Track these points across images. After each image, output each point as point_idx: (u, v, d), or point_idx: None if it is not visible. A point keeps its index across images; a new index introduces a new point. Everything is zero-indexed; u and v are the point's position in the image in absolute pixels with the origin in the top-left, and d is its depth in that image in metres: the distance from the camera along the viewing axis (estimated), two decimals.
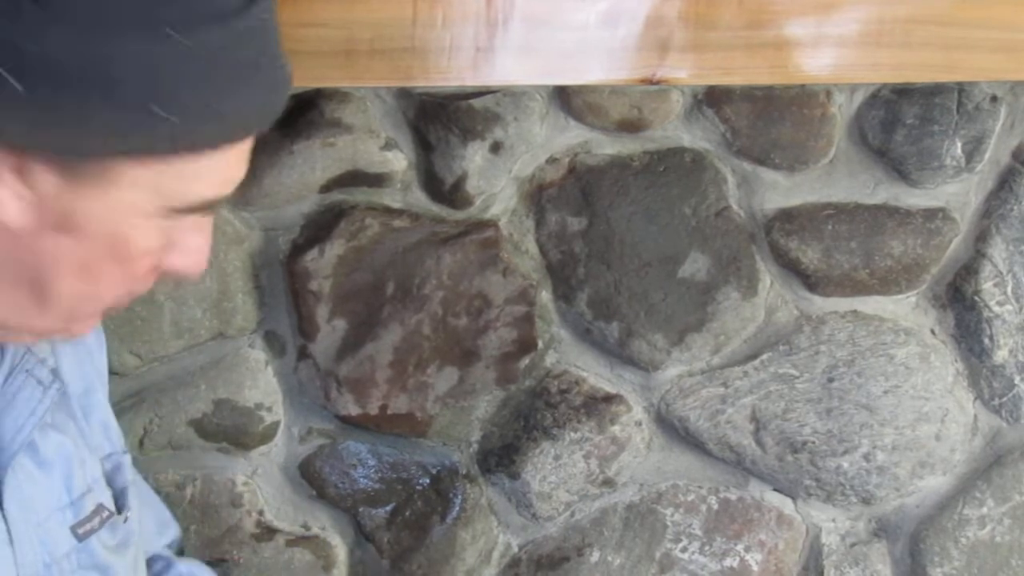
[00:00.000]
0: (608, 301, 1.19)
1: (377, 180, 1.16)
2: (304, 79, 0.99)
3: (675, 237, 1.18)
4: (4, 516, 0.69)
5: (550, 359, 1.22)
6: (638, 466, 1.24)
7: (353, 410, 1.19)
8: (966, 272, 1.20)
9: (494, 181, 1.16)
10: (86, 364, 0.81)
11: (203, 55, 0.57)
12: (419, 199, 1.17)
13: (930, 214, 1.18)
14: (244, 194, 1.13)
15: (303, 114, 1.12)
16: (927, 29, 1.01)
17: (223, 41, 0.57)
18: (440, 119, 1.13)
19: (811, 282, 1.20)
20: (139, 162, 0.58)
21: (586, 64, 1.01)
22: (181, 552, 0.99)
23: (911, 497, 1.25)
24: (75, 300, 0.65)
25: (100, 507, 0.77)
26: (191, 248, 0.66)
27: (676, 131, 1.16)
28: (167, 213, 0.62)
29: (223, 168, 0.62)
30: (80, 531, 0.74)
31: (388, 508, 1.23)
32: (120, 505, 0.80)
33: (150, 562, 0.91)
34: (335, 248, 1.16)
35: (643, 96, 1.12)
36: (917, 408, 1.21)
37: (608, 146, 1.17)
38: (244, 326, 1.19)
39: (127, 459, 0.84)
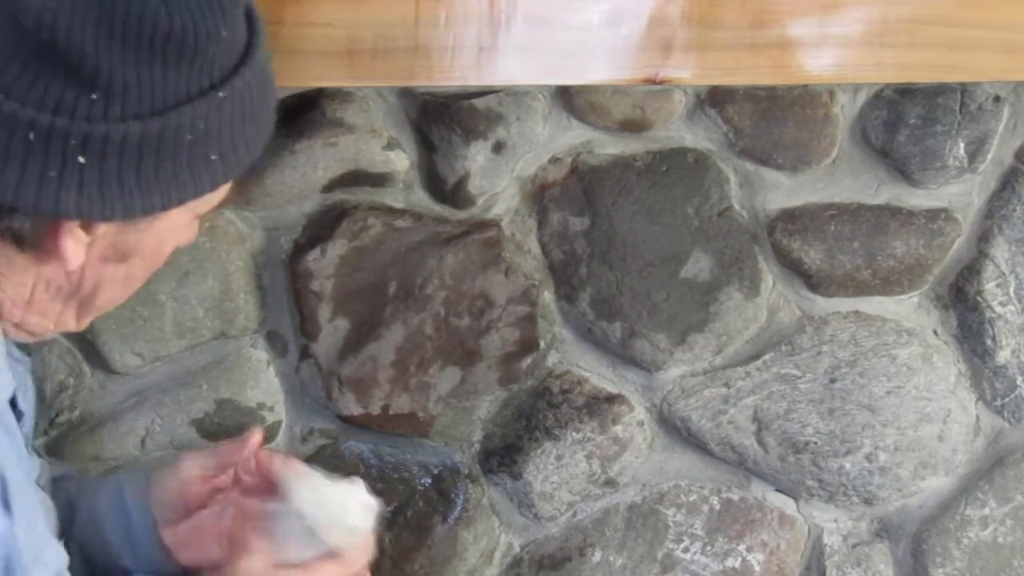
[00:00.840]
0: (610, 301, 1.19)
1: (379, 180, 1.16)
2: (306, 78, 0.99)
3: (678, 237, 1.18)
4: None
5: (552, 359, 1.22)
6: (640, 466, 1.24)
7: (355, 410, 1.19)
8: (969, 273, 1.20)
9: (496, 181, 1.16)
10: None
11: (235, 99, 0.67)
12: (421, 199, 1.17)
13: (933, 214, 1.18)
14: (246, 194, 1.13)
15: (305, 113, 1.12)
16: (930, 29, 1.01)
17: (244, 81, 0.67)
18: (443, 119, 1.13)
19: (813, 282, 1.20)
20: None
21: (589, 64, 1.01)
22: None
23: (913, 498, 1.25)
24: (109, 304, 0.76)
25: None
26: (193, 228, 0.77)
27: (679, 131, 1.16)
28: (195, 218, 0.75)
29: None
30: None
31: (390, 508, 1.23)
32: None
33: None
34: (337, 248, 1.16)
35: (646, 96, 1.12)
36: (919, 409, 1.21)
37: (611, 146, 1.17)
38: (246, 326, 1.19)
39: None
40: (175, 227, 0.73)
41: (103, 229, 0.68)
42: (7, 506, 0.69)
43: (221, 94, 0.66)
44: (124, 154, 0.64)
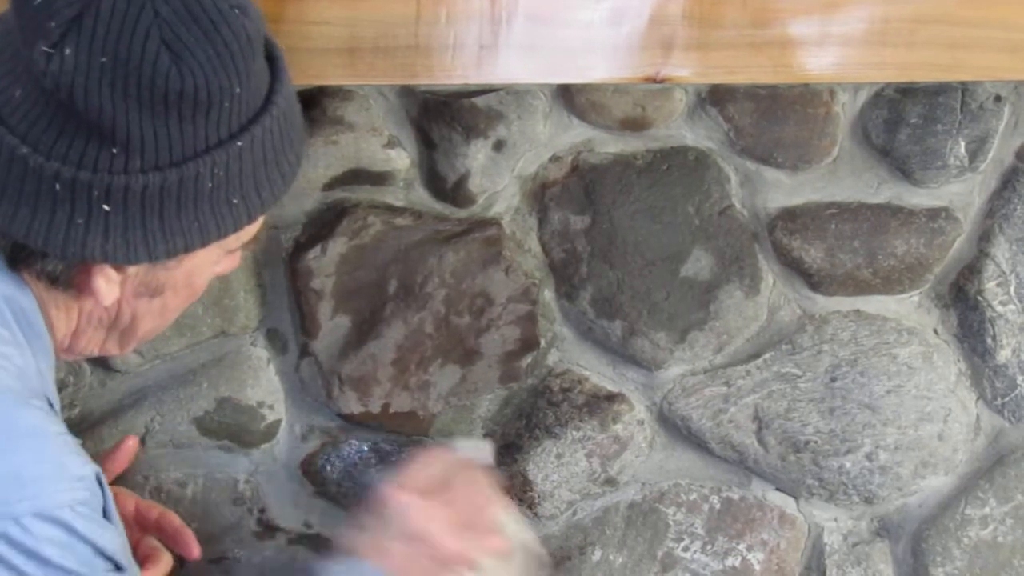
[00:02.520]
0: (611, 300, 1.19)
1: (380, 178, 1.16)
2: (307, 77, 0.99)
3: (678, 236, 1.18)
4: None
5: (552, 358, 1.22)
6: (640, 465, 1.24)
7: (355, 408, 1.19)
8: (969, 272, 1.20)
9: (497, 179, 1.16)
10: None
11: (255, 146, 0.70)
12: (422, 197, 1.18)
13: (933, 213, 1.18)
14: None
15: (305, 112, 1.08)
16: (931, 28, 1.00)
17: (264, 128, 0.71)
18: (443, 117, 1.13)
19: (814, 281, 1.20)
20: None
21: (590, 62, 1.01)
22: None
23: (913, 497, 1.25)
24: (150, 334, 0.82)
25: None
26: (235, 257, 0.83)
27: (679, 130, 1.16)
28: (227, 254, 0.79)
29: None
30: None
31: None
32: None
33: None
34: (337, 246, 1.16)
35: (646, 95, 1.12)
36: (920, 408, 1.21)
37: (611, 145, 1.17)
38: (246, 324, 1.19)
39: None
40: (204, 263, 0.77)
41: (133, 269, 0.72)
42: (108, 516, 0.74)
43: (240, 143, 0.69)
44: (146, 202, 0.67)
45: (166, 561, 0.96)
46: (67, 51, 0.64)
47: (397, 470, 0.90)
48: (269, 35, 0.75)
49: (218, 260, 0.79)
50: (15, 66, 0.67)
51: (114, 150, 0.65)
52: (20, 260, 0.73)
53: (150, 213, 0.68)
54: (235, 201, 0.71)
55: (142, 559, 0.94)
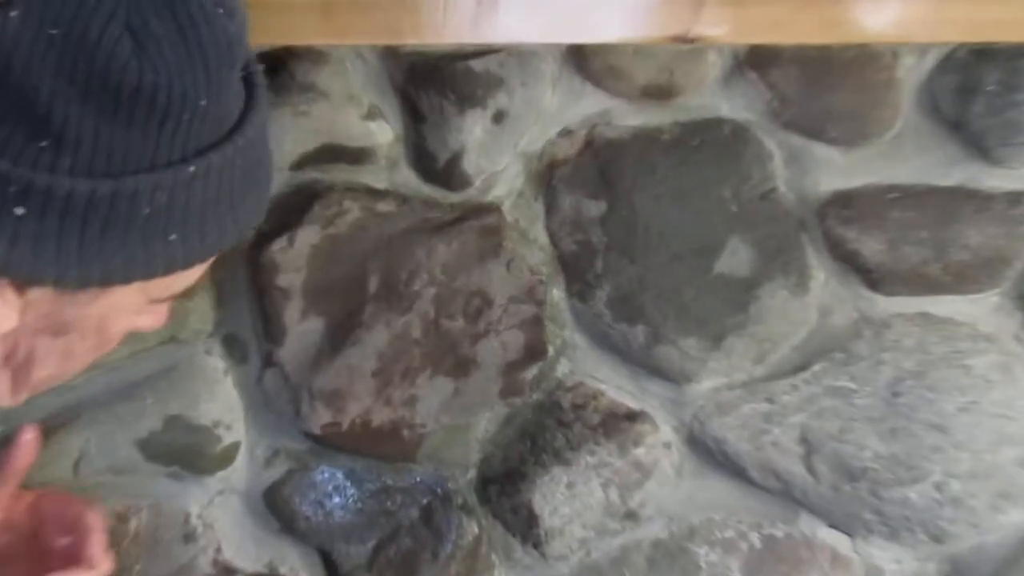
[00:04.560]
0: (631, 300, 1.19)
1: (358, 156, 1.16)
2: (274, 36, 0.99)
3: (711, 224, 1.18)
4: None
5: (562, 369, 1.22)
6: (666, 496, 1.24)
7: (329, 428, 1.19)
8: None
9: (497, 158, 1.16)
10: None
11: (210, 176, 0.68)
12: (408, 178, 1.17)
13: (1015, 198, 1.18)
14: None
15: (271, 78, 1.05)
16: None
17: (225, 158, 0.68)
18: (433, 84, 1.13)
19: (873, 278, 1.20)
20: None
21: (606, 19, 1.01)
22: None
23: (991, 535, 1.25)
24: (45, 382, 0.79)
25: None
26: (160, 312, 0.80)
27: (713, 99, 1.16)
28: (149, 302, 0.76)
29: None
30: None
31: (369, 545, 1.23)
32: None
33: None
34: (308, 236, 1.16)
35: (674, 57, 1.12)
36: (998, 428, 1.21)
37: (632, 116, 1.16)
38: (199, 328, 1.19)
39: None
40: (122, 308, 0.74)
41: (37, 294, 0.69)
42: None
43: (192, 168, 0.67)
44: (68, 213, 0.64)
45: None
46: (13, 13, 0.62)
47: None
48: (253, 53, 0.73)
49: (139, 309, 0.76)
50: None
51: (43, 143, 0.63)
52: None
53: (70, 227, 0.65)
54: (172, 237, 0.68)
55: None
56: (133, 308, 0.75)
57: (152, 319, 0.80)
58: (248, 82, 0.72)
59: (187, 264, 0.71)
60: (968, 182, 1.18)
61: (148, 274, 0.69)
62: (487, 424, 1.22)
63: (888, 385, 1.21)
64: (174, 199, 0.67)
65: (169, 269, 0.70)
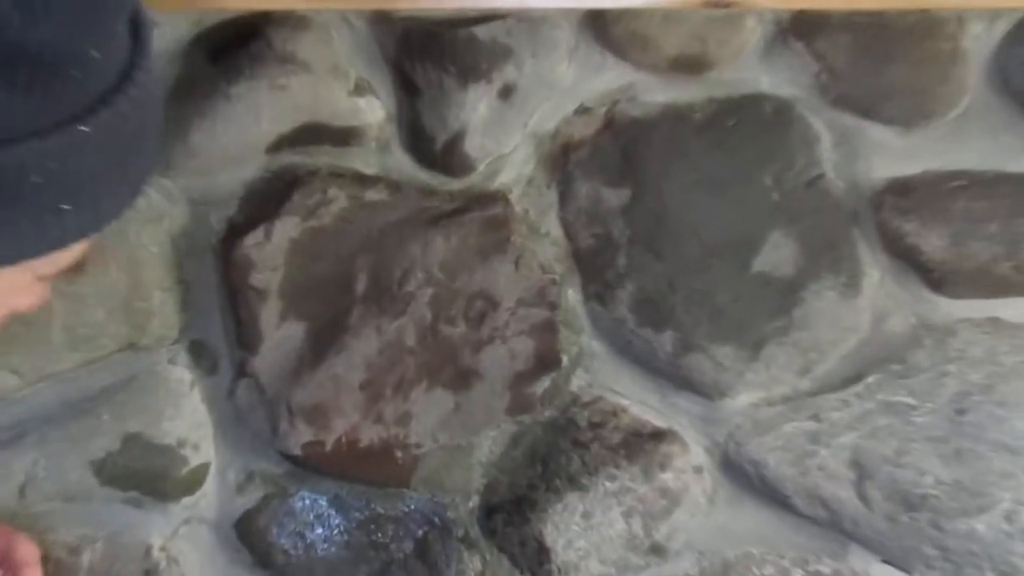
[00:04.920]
0: (658, 302, 1.16)
1: (344, 136, 1.13)
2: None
3: (749, 216, 1.15)
4: None
5: (578, 381, 1.21)
6: (697, 527, 1.23)
7: (310, 448, 1.17)
8: None
9: (503, 139, 1.14)
10: None
11: (103, 135, 0.68)
12: (401, 163, 1.15)
13: None
14: (164, 156, 1.11)
15: (245, 46, 1.09)
16: None
17: (118, 113, 0.68)
18: (431, 54, 1.10)
19: (934, 278, 1.17)
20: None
21: None
22: None
23: None
24: None
25: None
26: (43, 290, 0.81)
27: (752, 72, 1.13)
28: (34, 280, 0.78)
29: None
30: None
31: None
32: None
33: None
34: (287, 229, 1.14)
35: (708, 24, 1.09)
36: None
37: (659, 92, 1.14)
38: (163, 334, 1.18)
39: None
40: (6, 287, 0.76)
41: None
42: None
43: (84, 128, 0.66)
44: None
45: None
46: None
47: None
48: None
49: (24, 286, 0.77)
50: None
51: None
52: None
53: None
54: (65, 207, 0.68)
55: None
56: (17, 288, 0.76)
57: (34, 298, 0.80)
58: (134, 24, 0.72)
59: (81, 235, 0.71)
60: None
61: (38, 250, 0.69)
62: (492, 445, 1.22)
63: (952, 401, 1.19)
64: (67, 164, 0.66)
65: (62, 242, 0.70)
